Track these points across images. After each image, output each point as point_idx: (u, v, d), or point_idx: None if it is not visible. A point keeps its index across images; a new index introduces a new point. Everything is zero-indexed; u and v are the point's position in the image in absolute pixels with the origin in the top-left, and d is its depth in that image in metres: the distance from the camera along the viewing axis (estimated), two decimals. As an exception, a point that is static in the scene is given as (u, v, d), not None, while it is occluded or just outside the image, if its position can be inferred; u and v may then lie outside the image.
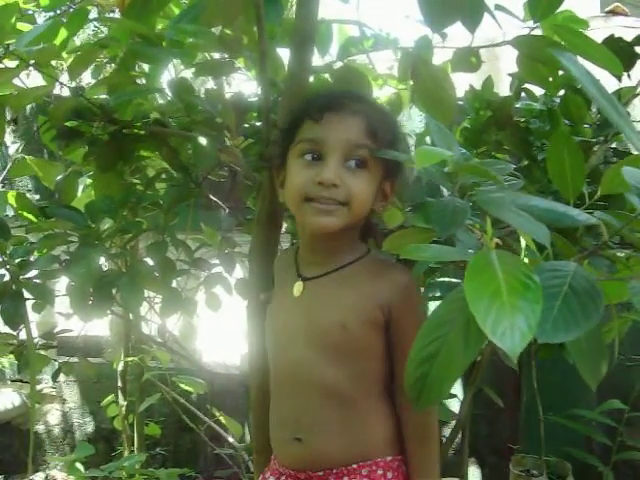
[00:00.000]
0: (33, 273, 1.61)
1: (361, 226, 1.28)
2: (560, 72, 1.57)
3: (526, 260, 0.98)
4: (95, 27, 3.57)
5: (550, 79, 1.59)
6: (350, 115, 1.17)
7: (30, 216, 1.64)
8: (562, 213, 0.97)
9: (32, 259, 1.61)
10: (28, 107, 3.08)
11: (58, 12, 1.60)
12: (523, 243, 1.01)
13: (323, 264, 1.26)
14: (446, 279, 1.62)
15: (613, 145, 1.79)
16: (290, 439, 1.25)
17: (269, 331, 1.34)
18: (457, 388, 2.67)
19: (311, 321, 1.23)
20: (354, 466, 1.22)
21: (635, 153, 0.96)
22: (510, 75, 1.86)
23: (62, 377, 3.63)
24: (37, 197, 3.24)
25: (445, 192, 1.21)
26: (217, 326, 2.96)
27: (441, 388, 0.92)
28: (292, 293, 1.27)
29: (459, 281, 1.47)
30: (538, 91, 1.86)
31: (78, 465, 2.21)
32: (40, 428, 3.71)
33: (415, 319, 1.20)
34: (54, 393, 3.70)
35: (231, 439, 2.46)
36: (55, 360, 2.35)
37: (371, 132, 1.17)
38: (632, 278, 1.06)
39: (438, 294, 1.54)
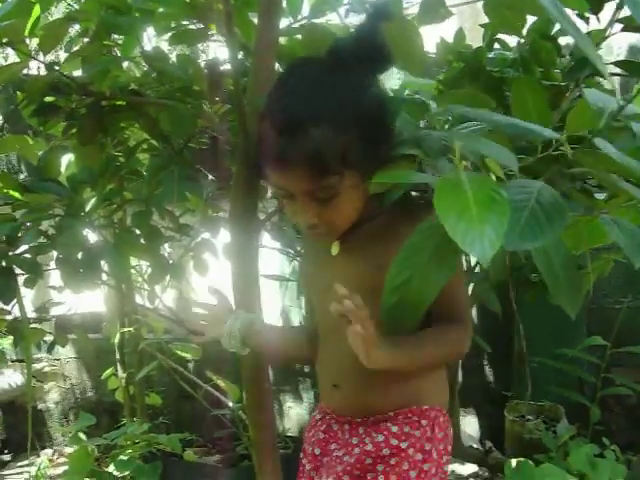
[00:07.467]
0: (23, 249, 1.63)
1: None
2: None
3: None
4: (69, 5, 3.54)
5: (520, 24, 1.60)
6: (293, 167, 1.12)
7: (15, 193, 1.65)
8: (525, 128, 1.02)
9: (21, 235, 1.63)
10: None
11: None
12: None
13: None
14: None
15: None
16: (330, 385, 1.32)
17: (311, 291, 1.41)
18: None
19: (348, 270, 1.26)
20: (390, 414, 1.26)
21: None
22: (482, 26, 1.87)
23: (62, 355, 3.67)
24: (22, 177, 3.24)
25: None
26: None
27: (416, 312, 1.00)
28: (330, 252, 1.30)
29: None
30: (512, 42, 1.87)
31: (81, 435, 2.25)
32: (44, 406, 3.76)
33: None
34: (55, 371, 3.74)
35: (230, 403, 2.51)
36: (51, 334, 2.37)
37: (319, 173, 1.12)
38: (601, 213, 1.10)
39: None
